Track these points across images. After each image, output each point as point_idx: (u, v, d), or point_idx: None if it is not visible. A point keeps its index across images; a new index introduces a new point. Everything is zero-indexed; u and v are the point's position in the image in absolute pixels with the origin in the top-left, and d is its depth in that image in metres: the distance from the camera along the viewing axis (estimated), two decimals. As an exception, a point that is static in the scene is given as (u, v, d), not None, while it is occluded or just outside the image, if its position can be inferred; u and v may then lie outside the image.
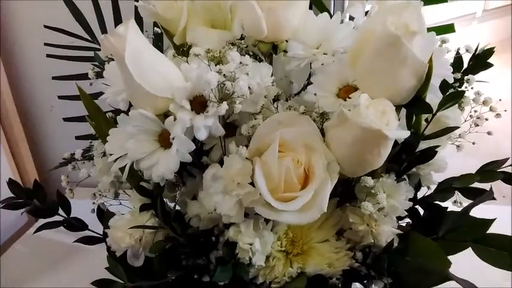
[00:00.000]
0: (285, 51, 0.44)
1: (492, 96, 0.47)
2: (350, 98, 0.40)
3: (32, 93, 0.94)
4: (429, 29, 0.53)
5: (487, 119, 0.48)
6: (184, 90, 0.37)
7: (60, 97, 0.64)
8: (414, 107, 0.39)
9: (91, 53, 0.60)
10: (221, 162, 0.40)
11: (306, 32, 0.44)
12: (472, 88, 0.49)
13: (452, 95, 0.38)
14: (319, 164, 0.36)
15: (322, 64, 0.41)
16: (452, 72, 0.45)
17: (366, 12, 0.52)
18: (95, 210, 0.49)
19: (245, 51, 0.45)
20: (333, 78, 0.41)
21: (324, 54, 0.42)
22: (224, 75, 0.37)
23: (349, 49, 0.41)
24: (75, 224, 0.46)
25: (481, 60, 0.51)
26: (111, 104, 0.43)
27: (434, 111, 0.39)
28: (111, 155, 0.41)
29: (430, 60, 0.37)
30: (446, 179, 0.46)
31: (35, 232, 0.45)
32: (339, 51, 0.41)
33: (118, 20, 0.59)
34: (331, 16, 0.45)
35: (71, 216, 0.47)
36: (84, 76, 0.60)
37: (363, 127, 0.33)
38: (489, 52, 0.51)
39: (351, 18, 0.49)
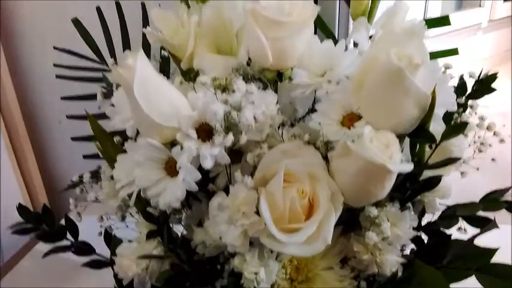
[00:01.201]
0: (290, 78, 0.45)
1: (496, 106, 0.47)
2: (354, 126, 0.40)
3: (40, 106, 0.95)
4: (433, 54, 0.54)
5: (490, 145, 0.48)
6: (190, 119, 0.38)
7: (68, 116, 0.65)
8: (418, 136, 0.39)
9: (99, 73, 0.61)
10: (227, 189, 0.41)
11: (311, 58, 0.44)
12: (475, 113, 0.50)
13: (456, 126, 0.38)
14: (323, 195, 0.36)
15: (327, 92, 0.42)
16: (456, 97, 0.45)
17: (370, 36, 0.53)
18: (102, 234, 0.50)
19: (250, 76, 0.46)
20: (337, 106, 0.42)
21: (329, 81, 0.42)
22: (230, 104, 0.38)
23: (354, 76, 0.41)
24: (83, 248, 0.47)
25: (484, 85, 0.51)
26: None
27: (438, 141, 0.39)
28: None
29: (434, 92, 0.37)
30: (450, 206, 0.46)
31: (43, 257, 0.45)
32: (343, 80, 0.42)
33: (126, 42, 0.59)
34: (336, 42, 0.46)
35: (79, 240, 0.47)
36: (92, 97, 0.62)
37: (367, 160, 0.34)
38: (492, 77, 0.51)
39: (355, 44, 0.50)
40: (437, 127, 0.41)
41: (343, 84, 0.41)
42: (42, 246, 0.83)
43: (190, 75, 0.48)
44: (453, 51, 0.57)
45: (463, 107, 0.51)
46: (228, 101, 0.38)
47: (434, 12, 2.24)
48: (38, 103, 0.94)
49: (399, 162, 0.34)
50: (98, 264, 0.47)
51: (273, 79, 0.44)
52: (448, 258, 0.41)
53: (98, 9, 0.59)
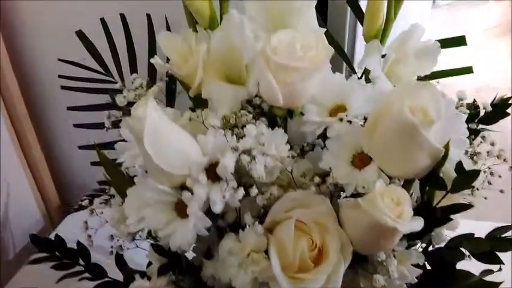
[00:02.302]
0: (301, 113, 0.44)
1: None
2: (365, 170, 0.40)
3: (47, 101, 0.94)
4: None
5: (500, 176, 0.48)
6: (200, 165, 0.38)
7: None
8: (429, 181, 0.39)
9: (105, 84, 0.60)
10: (235, 225, 0.42)
11: (322, 92, 0.43)
12: (483, 139, 0.49)
13: (467, 176, 0.38)
14: (333, 246, 0.37)
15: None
16: (468, 122, 0.45)
17: (383, 55, 0.51)
18: (113, 253, 0.51)
19: (259, 109, 0.45)
20: (347, 145, 0.41)
21: (340, 120, 0.42)
22: (241, 152, 0.38)
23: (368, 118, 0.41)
24: (95, 271, 0.48)
25: (498, 111, 0.51)
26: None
27: (448, 189, 0.39)
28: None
29: (447, 144, 0.37)
30: (455, 237, 0.46)
31: (57, 281, 0.47)
32: (355, 120, 0.41)
33: (132, 56, 0.58)
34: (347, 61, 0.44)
35: (92, 262, 0.49)
36: (99, 107, 0.61)
37: (376, 220, 0.34)
38: (506, 103, 0.50)
39: (367, 72, 0.48)
40: (448, 166, 0.41)
41: (354, 125, 0.41)
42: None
43: (199, 102, 0.47)
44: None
45: (474, 133, 0.50)
46: (239, 148, 0.38)
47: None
48: (43, 96, 0.93)
49: (409, 220, 0.35)
50: (110, 287, 0.48)
51: (283, 116, 0.43)
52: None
53: (103, 21, 0.58)
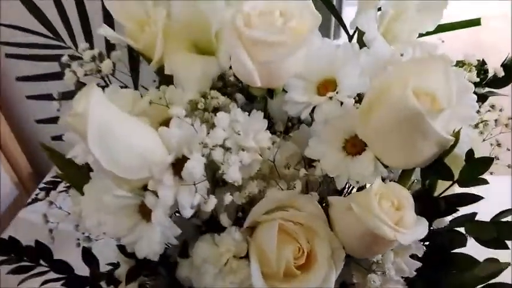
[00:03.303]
0: (283, 90, 0.37)
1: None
2: (359, 155, 0.34)
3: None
4: (454, 24, 0.46)
5: (508, 149, 0.43)
6: (164, 164, 0.32)
7: (28, 97, 0.56)
8: (433, 170, 0.34)
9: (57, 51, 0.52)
10: (212, 222, 0.36)
11: (308, 64, 0.36)
12: (492, 108, 0.44)
13: (478, 164, 0.33)
14: (322, 253, 0.32)
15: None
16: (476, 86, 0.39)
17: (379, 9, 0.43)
18: (80, 246, 0.46)
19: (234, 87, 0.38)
20: (338, 130, 0.35)
21: (330, 98, 0.35)
22: (211, 148, 0.31)
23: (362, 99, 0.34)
24: (61, 268, 0.43)
25: (508, 72, 0.44)
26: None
27: (455, 179, 0.34)
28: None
29: (458, 133, 0.31)
30: (456, 218, 0.42)
31: (19, 284, 0.42)
32: (347, 101, 0.34)
33: (84, 18, 0.49)
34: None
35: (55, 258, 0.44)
36: (51, 76, 0.53)
37: (372, 229, 0.29)
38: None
39: (360, 32, 0.41)
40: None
41: (347, 107, 0.34)
42: (26, 214, 0.80)
43: (164, 76, 0.40)
44: (475, 22, 0.48)
45: (481, 99, 0.44)
46: (208, 144, 0.31)
47: None
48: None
49: (412, 227, 0.29)
50: (78, 284, 0.44)
51: (261, 96, 0.36)
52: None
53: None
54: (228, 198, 0.31)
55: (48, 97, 0.48)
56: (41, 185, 0.54)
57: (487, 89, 0.46)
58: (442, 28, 0.47)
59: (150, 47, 0.38)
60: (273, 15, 0.30)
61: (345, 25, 0.44)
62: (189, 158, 0.31)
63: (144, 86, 0.45)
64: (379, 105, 0.31)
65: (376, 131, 0.33)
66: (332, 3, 0.46)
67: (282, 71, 0.33)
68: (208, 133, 0.32)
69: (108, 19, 0.46)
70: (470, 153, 0.32)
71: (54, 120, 0.50)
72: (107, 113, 0.30)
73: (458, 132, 0.31)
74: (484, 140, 0.44)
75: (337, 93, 0.35)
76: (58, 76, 0.49)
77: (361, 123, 0.33)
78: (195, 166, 0.30)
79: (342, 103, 0.34)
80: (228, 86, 0.38)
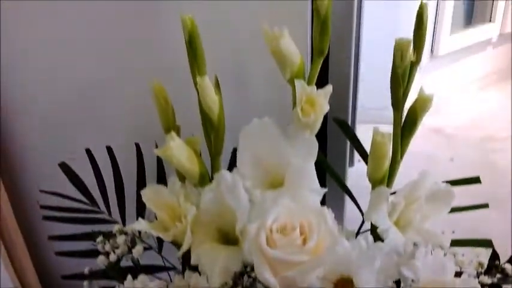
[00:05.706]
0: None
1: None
2: None
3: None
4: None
5: None
6: None
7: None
8: None
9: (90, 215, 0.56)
10: None
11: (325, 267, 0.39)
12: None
13: None
14: None
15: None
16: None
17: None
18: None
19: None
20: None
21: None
22: None
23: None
24: None
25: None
26: None
27: None
28: None
29: None
30: None
31: None
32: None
33: (119, 185, 0.54)
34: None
35: None
36: (84, 236, 0.56)
37: None
38: None
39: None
40: None
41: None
42: None
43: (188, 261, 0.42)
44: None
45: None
46: None
47: (445, 28, 2.17)
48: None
49: None
50: None
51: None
52: None
53: (88, 152, 0.54)
54: None
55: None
56: None
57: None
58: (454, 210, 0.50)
59: (179, 238, 0.41)
60: (294, 232, 0.34)
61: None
62: None
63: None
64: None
65: None
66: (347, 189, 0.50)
67: (303, 282, 0.35)
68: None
69: (140, 186, 0.50)
70: None
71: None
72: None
73: None
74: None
75: (354, 294, 0.37)
76: (89, 236, 0.53)
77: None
78: None
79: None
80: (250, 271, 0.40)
